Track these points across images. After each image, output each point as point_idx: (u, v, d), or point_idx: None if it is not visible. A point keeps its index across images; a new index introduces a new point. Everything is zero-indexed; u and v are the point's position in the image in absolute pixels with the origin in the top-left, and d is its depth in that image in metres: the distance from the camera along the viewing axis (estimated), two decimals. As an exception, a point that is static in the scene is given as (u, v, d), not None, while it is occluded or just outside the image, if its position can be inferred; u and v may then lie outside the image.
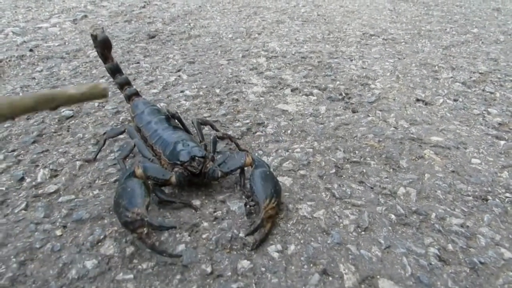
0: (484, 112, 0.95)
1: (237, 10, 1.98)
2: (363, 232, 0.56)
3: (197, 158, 0.60)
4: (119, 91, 0.85)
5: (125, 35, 1.52)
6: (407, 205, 0.62)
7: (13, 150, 0.75)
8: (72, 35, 1.52)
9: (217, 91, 1.02)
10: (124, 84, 0.80)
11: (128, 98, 0.80)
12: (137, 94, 0.80)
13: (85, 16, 1.83)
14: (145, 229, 0.49)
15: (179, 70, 1.16)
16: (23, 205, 0.61)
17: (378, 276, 0.49)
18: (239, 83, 1.07)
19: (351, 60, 1.29)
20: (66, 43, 1.42)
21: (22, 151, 0.75)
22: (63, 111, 0.90)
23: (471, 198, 0.64)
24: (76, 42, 1.43)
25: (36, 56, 1.26)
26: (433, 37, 1.62)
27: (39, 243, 0.54)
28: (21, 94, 0.98)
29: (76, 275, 0.49)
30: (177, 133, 0.67)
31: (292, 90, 1.04)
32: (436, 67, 1.27)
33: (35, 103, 0.50)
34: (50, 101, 0.51)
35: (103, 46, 0.74)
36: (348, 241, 0.55)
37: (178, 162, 0.60)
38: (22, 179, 0.67)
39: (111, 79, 0.82)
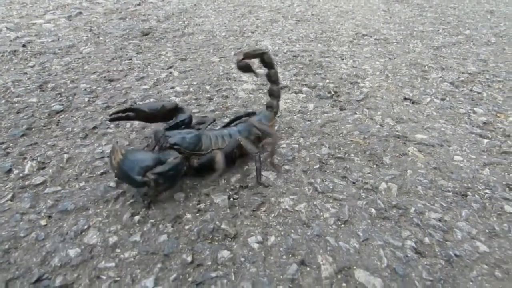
0: (469, 111, 0.96)
1: (232, 8, 2.00)
2: (342, 225, 0.57)
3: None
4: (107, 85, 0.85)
5: (118, 32, 1.53)
6: (388, 199, 0.63)
7: (2, 143, 0.76)
8: (66, 31, 1.53)
9: (207, 87, 1.03)
10: None
11: None
12: None
13: (80, 13, 1.83)
14: None
15: (170, 67, 1.17)
16: (9, 196, 0.61)
17: (355, 267, 0.50)
18: (229, 80, 1.08)
19: (342, 59, 1.30)
20: (60, 39, 1.42)
21: (11, 144, 0.76)
22: (54, 106, 0.91)
23: (451, 194, 0.66)
24: (69, 38, 1.44)
25: (29, 52, 1.26)
26: (425, 38, 1.64)
27: (23, 232, 0.55)
28: (12, 88, 0.99)
29: (58, 262, 0.50)
30: None
31: (282, 88, 1.05)
32: (426, 67, 1.28)
33: None
34: None
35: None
36: (327, 233, 0.56)
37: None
38: (9, 170, 0.68)
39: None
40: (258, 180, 0.65)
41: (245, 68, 0.72)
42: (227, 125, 0.76)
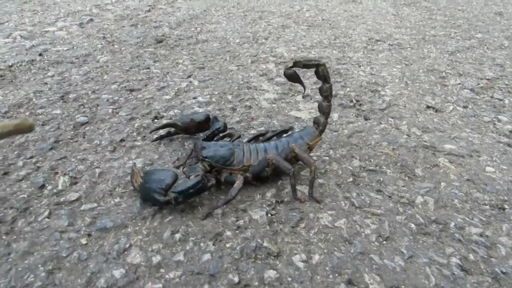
0: (494, 119, 0.96)
1: (242, 14, 1.99)
2: (384, 242, 0.57)
3: None
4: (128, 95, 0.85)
5: (132, 39, 1.52)
6: (426, 214, 0.63)
7: (32, 157, 0.76)
8: (80, 39, 1.53)
9: (229, 97, 1.03)
10: None
11: None
12: None
13: (91, 19, 1.83)
14: None
15: (189, 76, 1.16)
16: (46, 213, 0.61)
17: (403, 286, 0.50)
18: (250, 90, 1.08)
19: (359, 66, 1.30)
20: (75, 48, 1.42)
21: (40, 158, 0.76)
22: (78, 117, 0.90)
23: (488, 207, 0.65)
24: (84, 46, 1.44)
25: (46, 61, 1.26)
26: (438, 42, 1.64)
27: (65, 252, 0.54)
28: (34, 99, 0.99)
29: (105, 284, 0.49)
30: None
31: (303, 97, 1.04)
32: (443, 73, 1.28)
33: None
34: None
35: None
36: (370, 250, 0.55)
37: None
38: (42, 186, 0.67)
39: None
40: (294, 196, 0.64)
41: (292, 77, 0.68)
42: (267, 139, 0.75)
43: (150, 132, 0.83)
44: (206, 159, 0.66)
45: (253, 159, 0.67)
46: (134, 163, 0.71)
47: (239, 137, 0.77)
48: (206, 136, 0.73)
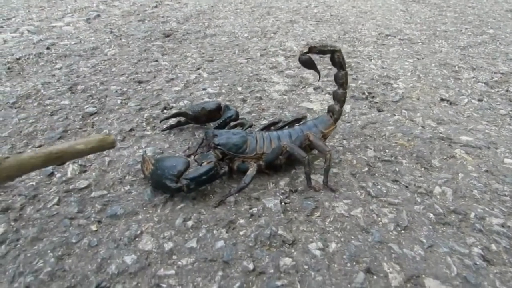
0: (511, 112, 0.94)
1: (250, 10, 1.98)
2: (403, 231, 0.55)
3: None
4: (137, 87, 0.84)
5: (140, 33, 1.51)
6: (445, 204, 0.61)
7: (40, 146, 0.75)
8: (87, 34, 1.52)
9: (239, 89, 1.01)
10: None
11: None
12: None
13: (98, 15, 1.82)
14: None
15: (198, 68, 1.15)
16: (55, 200, 0.60)
17: (424, 276, 0.48)
18: (260, 82, 1.06)
19: (370, 60, 1.28)
20: (82, 42, 1.41)
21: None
22: (87, 108, 0.89)
23: (508, 198, 0.63)
24: (91, 40, 1.43)
25: (53, 54, 1.25)
26: (449, 38, 1.61)
27: (75, 238, 0.53)
28: (43, 91, 0.98)
29: (116, 270, 0.48)
30: None
31: (314, 89, 1.03)
32: (456, 67, 1.26)
33: (43, 162, 0.51)
34: (59, 158, 0.52)
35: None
36: (389, 239, 0.53)
37: None
38: (51, 174, 0.66)
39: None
40: (308, 185, 0.63)
41: (307, 63, 0.65)
42: (280, 128, 0.73)
43: (160, 121, 0.82)
44: (219, 147, 0.64)
45: (266, 147, 0.65)
46: (145, 151, 0.69)
47: (250, 126, 0.76)
48: (218, 124, 0.72)
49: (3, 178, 0.48)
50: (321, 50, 0.64)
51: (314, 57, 0.65)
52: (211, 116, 0.76)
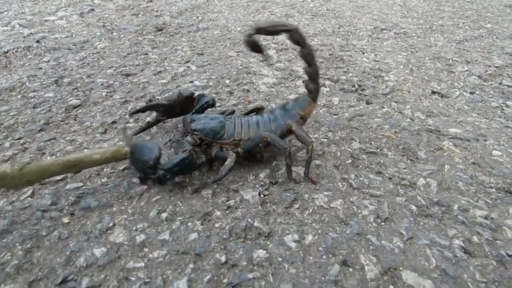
0: (502, 105, 0.92)
1: (245, 4, 1.96)
2: (383, 223, 0.54)
3: None
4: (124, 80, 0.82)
5: (132, 27, 1.50)
6: (428, 196, 0.59)
7: (19, 138, 0.74)
8: (79, 27, 1.51)
9: (227, 82, 1.00)
10: None
11: None
12: None
13: (92, 9, 1.81)
14: None
15: (188, 61, 1.14)
16: (29, 192, 0.59)
17: (401, 268, 0.47)
18: (249, 74, 1.05)
19: (363, 53, 1.26)
20: (73, 35, 1.40)
21: (29, 139, 0.73)
22: (71, 100, 0.88)
23: (494, 190, 0.62)
24: (83, 34, 1.41)
25: (43, 47, 1.24)
26: (445, 32, 1.59)
27: (45, 231, 0.52)
28: (28, 83, 0.97)
29: (84, 263, 0.47)
30: None
31: (303, 81, 1.01)
32: (450, 60, 1.24)
33: (62, 169, 0.54)
34: (76, 166, 0.56)
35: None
36: (368, 231, 0.52)
37: None
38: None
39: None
40: (289, 177, 0.61)
41: (253, 46, 0.59)
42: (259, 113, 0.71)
43: (130, 114, 0.79)
44: (195, 132, 0.63)
45: (244, 132, 0.64)
46: (124, 128, 0.68)
47: (232, 112, 0.74)
48: (195, 110, 0.70)
49: (23, 183, 0.51)
50: (271, 31, 0.58)
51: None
52: (185, 104, 0.73)
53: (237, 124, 0.64)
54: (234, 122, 0.65)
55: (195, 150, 0.59)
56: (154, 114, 0.76)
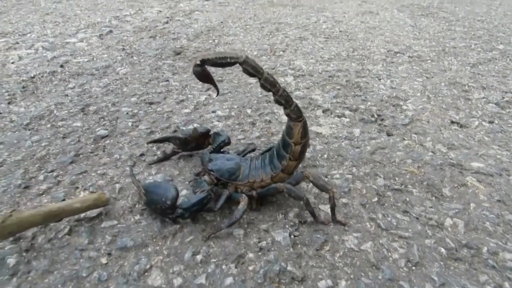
0: (522, 136, 0.93)
1: (259, 26, 1.99)
2: (414, 267, 0.55)
3: None
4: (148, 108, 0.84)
5: (151, 51, 1.53)
6: (456, 237, 0.60)
7: (52, 171, 0.76)
8: (100, 50, 1.54)
9: (249, 111, 1.02)
10: None
11: None
12: None
13: (111, 31, 1.85)
14: None
15: (208, 89, 1.16)
16: (66, 230, 0.60)
17: (435, 317, 0.48)
18: (269, 103, 1.07)
19: (379, 79, 1.28)
20: (94, 59, 1.43)
21: (61, 172, 0.75)
22: (98, 130, 0.91)
23: (521, 231, 0.62)
24: (104, 58, 1.45)
25: (67, 72, 1.27)
26: (458, 54, 1.61)
27: (85, 272, 0.53)
28: (55, 112, 0.99)
29: (126, 307, 0.48)
30: None
31: (323, 111, 1.03)
32: (466, 86, 1.25)
33: (42, 219, 0.57)
34: (57, 216, 0.58)
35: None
36: (400, 277, 0.53)
37: None
38: (63, 201, 0.67)
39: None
40: (315, 221, 0.62)
41: (201, 76, 0.57)
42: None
43: (147, 143, 0.83)
44: (212, 172, 0.65)
45: (257, 176, 0.65)
46: (131, 169, 0.72)
47: (253, 150, 0.76)
48: (213, 149, 0.73)
49: (5, 236, 0.54)
50: (217, 63, 0.54)
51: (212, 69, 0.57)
52: (200, 141, 0.77)
53: (252, 167, 0.66)
54: (249, 164, 0.66)
55: (213, 190, 0.62)
56: (171, 145, 0.80)
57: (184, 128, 0.91)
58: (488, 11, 2.52)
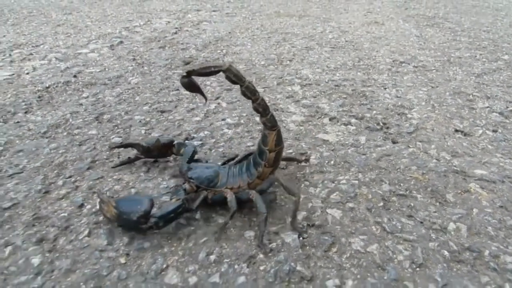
0: (525, 144, 0.95)
1: (266, 36, 2.04)
2: (418, 269, 0.57)
3: None
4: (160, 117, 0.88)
5: (161, 61, 1.58)
6: (459, 241, 0.63)
7: (70, 176, 0.79)
8: (111, 61, 1.59)
9: (257, 119, 1.05)
10: None
11: None
12: None
13: (121, 42, 1.91)
14: None
15: (218, 98, 1.20)
16: (86, 232, 0.64)
17: (439, 315, 0.50)
18: (277, 111, 1.10)
19: (385, 89, 1.31)
20: (106, 69, 1.48)
21: (79, 177, 0.79)
22: (113, 138, 0.94)
23: (523, 235, 0.64)
24: (115, 68, 1.50)
25: (80, 82, 1.32)
26: (463, 64, 1.63)
27: (105, 271, 0.56)
28: (71, 120, 1.03)
29: (144, 304, 0.51)
30: None
31: (330, 119, 1.06)
32: (471, 96, 1.28)
33: None
34: None
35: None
36: (404, 277, 0.55)
37: None
38: (81, 205, 0.70)
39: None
40: (258, 243, 0.60)
41: (189, 87, 0.61)
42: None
43: (111, 149, 0.87)
44: (191, 180, 0.68)
45: (234, 183, 0.68)
46: (99, 190, 0.73)
47: (233, 158, 0.78)
48: (188, 158, 0.75)
49: None
50: (202, 73, 0.58)
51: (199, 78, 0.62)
52: (163, 150, 0.80)
53: (230, 174, 0.69)
54: (227, 171, 0.70)
55: (187, 199, 0.64)
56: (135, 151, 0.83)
57: (149, 136, 0.95)
58: (494, 21, 2.55)
